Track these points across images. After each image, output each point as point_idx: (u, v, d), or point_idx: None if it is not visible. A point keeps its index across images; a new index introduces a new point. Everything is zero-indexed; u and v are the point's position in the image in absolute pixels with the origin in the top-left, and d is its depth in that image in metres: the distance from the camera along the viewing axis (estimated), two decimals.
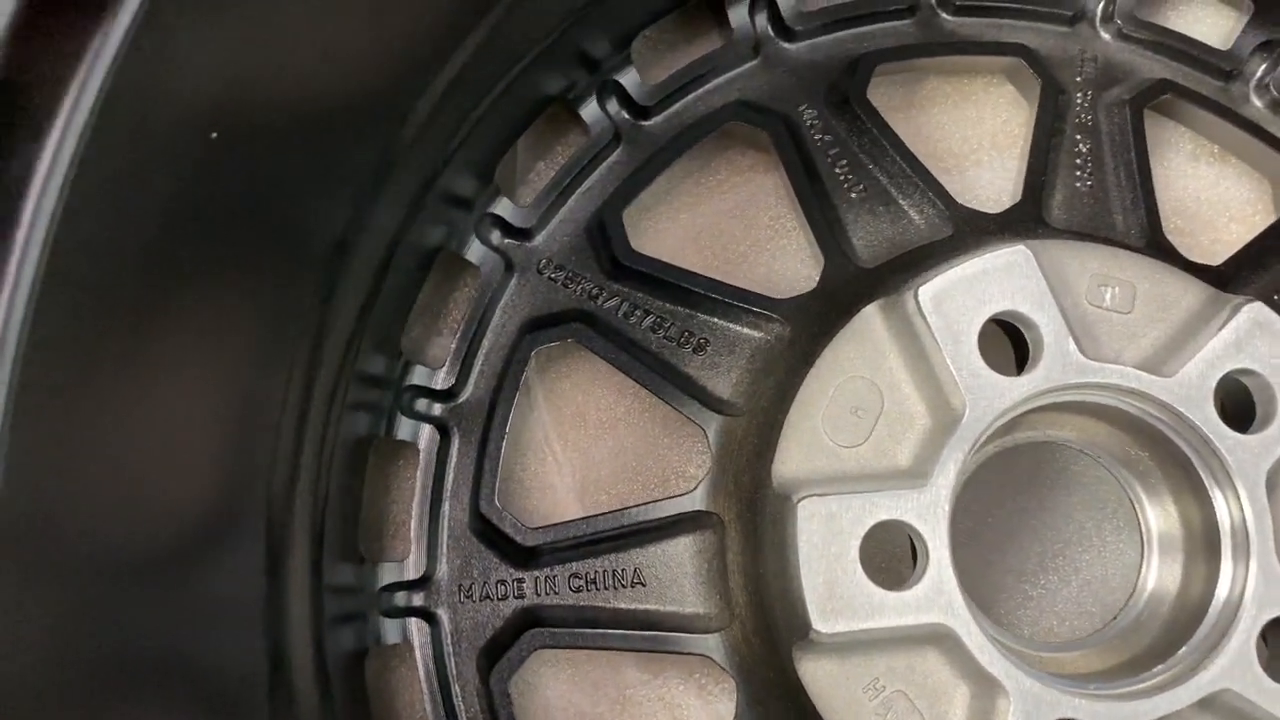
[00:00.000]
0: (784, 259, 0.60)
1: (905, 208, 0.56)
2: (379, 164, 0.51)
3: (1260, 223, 0.62)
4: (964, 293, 0.48)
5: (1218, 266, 0.57)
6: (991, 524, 0.59)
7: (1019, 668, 0.46)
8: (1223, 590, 0.48)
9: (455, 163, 0.55)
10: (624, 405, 0.59)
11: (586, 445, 0.59)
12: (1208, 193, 0.63)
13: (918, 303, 0.48)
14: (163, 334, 0.42)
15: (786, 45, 0.60)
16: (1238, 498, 0.47)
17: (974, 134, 0.64)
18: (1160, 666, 0.48)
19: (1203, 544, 0.50)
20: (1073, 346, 0.48)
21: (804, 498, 0.46)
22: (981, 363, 0.47)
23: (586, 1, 0.56)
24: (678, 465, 0.58)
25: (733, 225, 0.61)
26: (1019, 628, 0.57)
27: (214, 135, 0.38)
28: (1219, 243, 0.62)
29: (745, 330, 0.55)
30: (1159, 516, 0.55)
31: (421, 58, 0.51)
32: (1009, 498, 0.59)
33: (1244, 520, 0.47)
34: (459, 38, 0.52)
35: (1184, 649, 0.48)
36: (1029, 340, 0.49)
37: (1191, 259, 0.58)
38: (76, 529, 0.38)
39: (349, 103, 0.48)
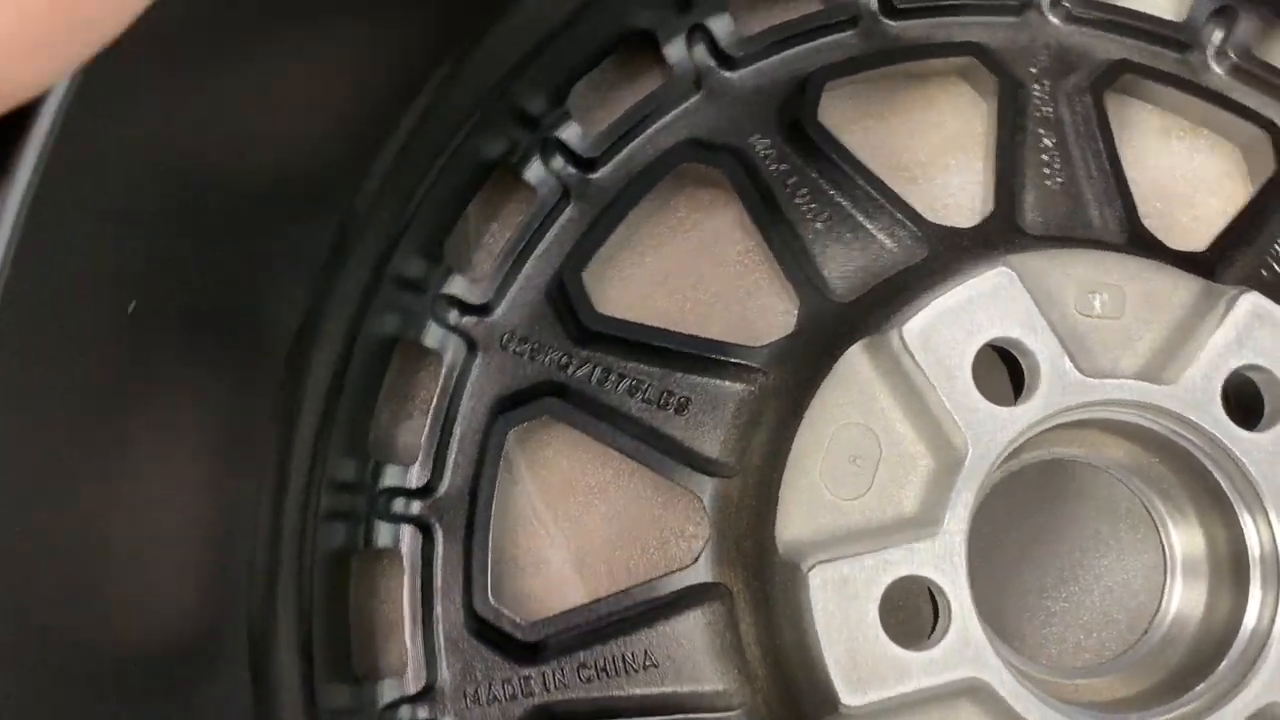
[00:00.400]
0: (758, 295, 0.57)
1: (874, 232, 0.54)
2: (332, 247, 0.49)
3: (1237, 192, 0.60)
4: (950, 325, 0.46)
5: (1203, 253, 0.55)
6: (1006, 544, 0.57)
7: (1059, 711, 0.44)
8: (1250, 619, 0.46)
9: (405, 244, 0.53)
10: (611, 469, 0.56)
11: (578, 514, 0.56)
12: (1182, 169, 0.61)
13: (903, 341, 0.45)
14: (120, 443, 0.39)
15: (728, 74, 0.58)
16: (1268, 521, 0.45)
17: (937, 139, 0.61)
18: (1201, 686, 0.46)
19: (1229, 569, 0.48)
20: (1069, 365, 0.46)
21: (814, 565, 0.43)
22: (979, 397, 0.45)
23: (518, 59, 0.54)
24: (676, 525, 0.55)
25: (700, 264, 0.58)
26: (1041, 647, 0.55)
27: (130, 308, 0.35)
28: (1199, 220, 0.60)
29: (727, 384, 0.52)
30: (1183, 537, 0.53)
31: (367, 130, 0.49)
32: (1023, 517, 0.57)
33: (1275, 546, 0.45)
34: (402, 106, 0.50)
35: (1221, 667, 0.46)
36: (1024, 365, 0.46)
37: (1173, 240, 0.56)
38: (48, 655, 0.36)
39: (297, 183, 0.46)
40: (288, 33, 0.41)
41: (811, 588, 0.43)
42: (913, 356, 0.45)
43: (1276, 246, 0.56)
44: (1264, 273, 0.55)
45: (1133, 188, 0.57)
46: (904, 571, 0.44)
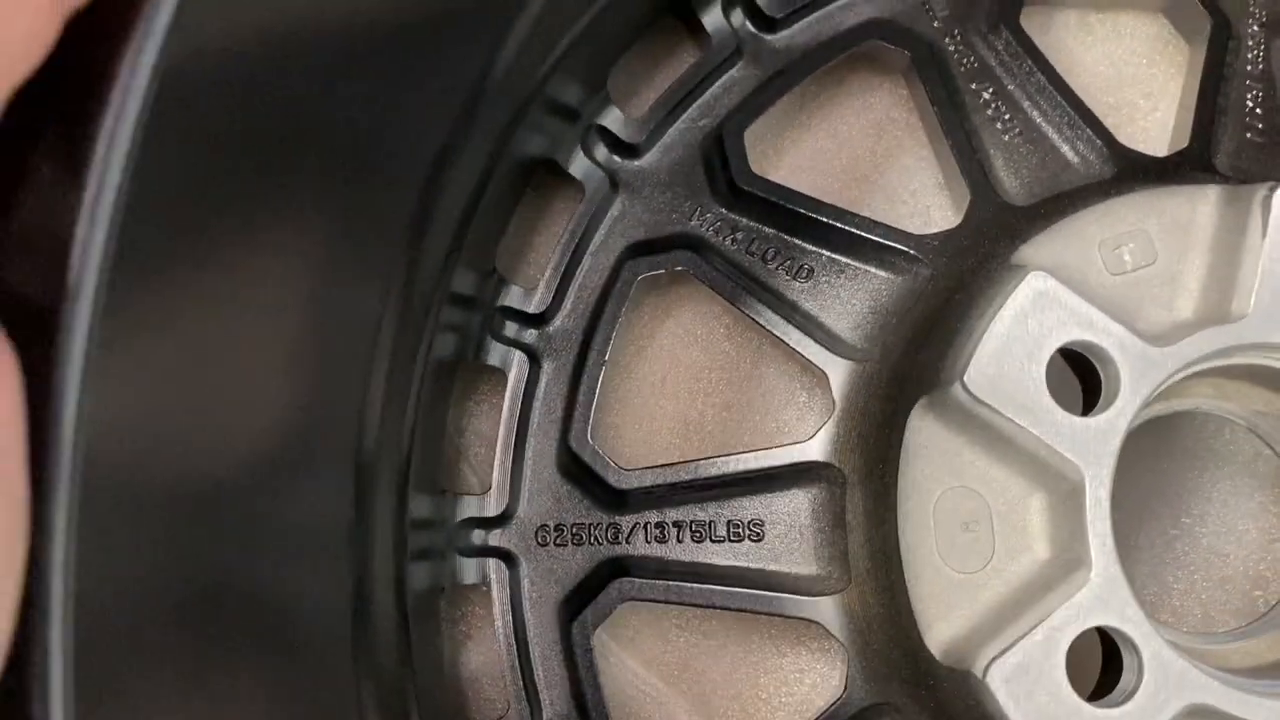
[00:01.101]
0: (920, 196, 0.54)
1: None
2: (482, 71, 0.47)
3: (1178, 57, 0.55)
4: (1008, 355, 0.42)
5: (1189, 147, 0.51)
6: (1129, 505, 0.54)
7: None
8: None
9: (563, 69, 0.50)
10: (733, 341, 0.54)
11: (690, 386, 0.54)
12: (1117, 55, 0.56)
13: (968, 390, 0.42)
14: (255, 254, 0.38)
15: None
16: None
17: (1121, 75, 0.58)
18: None
19: None
20: (1140, 344, 0.42)
21: (988, 666, 0.40)
22: (1073, 418, 0.42)
23: None
24: (794, 400, 0.53)
25: (857, 155, 0.56)
26: (1181, 612, 0.52)
27: None
28: (1152, 96, 0.55)
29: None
30: None
31: None
32: (1145, 476, 0.54)
33: None
34: None
35: None
36: (1094, 363, 0.43)
37: (1146, 136, 0.53)
38: (162, 460, 0.35)
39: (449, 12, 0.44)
40: None
41: (995, 692, 0.40)
42: (984, 402, 0.42)
43: (1248, 103, 0.52)
44: (1249, 135, 0.52)
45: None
46: (1078, 630, 0.40)
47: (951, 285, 0.46)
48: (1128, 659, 0.41)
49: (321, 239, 0.42)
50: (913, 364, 0.45)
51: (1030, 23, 0.55)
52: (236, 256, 0.37)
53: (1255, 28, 0.55)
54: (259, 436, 0.40)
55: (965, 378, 0.41)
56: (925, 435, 0.43)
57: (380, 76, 0.42)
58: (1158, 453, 0.54)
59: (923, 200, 0.55)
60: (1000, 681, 0.40)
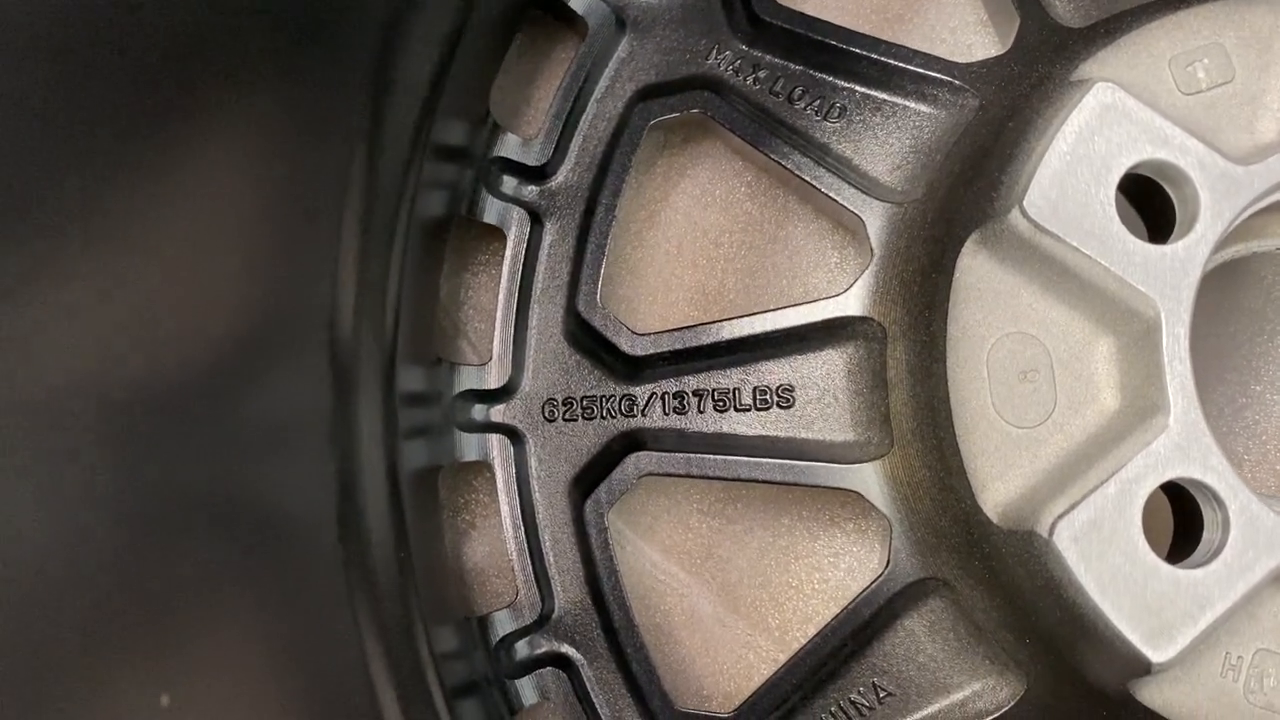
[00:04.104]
0: (960, 33, 0.49)
1: None
2: None
3: None
4: (1073, 178, 0.37)
5: None
6: (1205, 352, 0.48)
7: None
8: None
9: None
10: (755, 208, 0.49)
11: (709, 253, 0.49)
12: None
13: (1029, 217, 0.37)
14: (190, 123, 0.35)
15: None
16: None
17: None
18: None
19: None
20: (1222, 162, 0.37)
21: (1055, 524, 0.36)
22: (1144, 245, 0.37)
23: None
24: (824, 253, 0.48)
25: None
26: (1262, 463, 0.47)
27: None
28: None
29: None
30: None
31: None
32: (1206, 339, 0.49)
33: None
34: None
35: None
36: (1168, 188, 0.38)
37: None
38: (119, 360, 0.32)
39: None
40: None
41: (1063, 553, 0.35)
42: (1045, 230, 0.36)
43: None
44: None
45: None
46: (1157, 481, 0.36)
47: (1003, 114, 0.41)
48: (1209, 515, 0.36)
49: (270, 92, 0.37)
50: (960, 200, 0.40)
51: None
52: (173, 123, 0.33)
53: None
54: (217, 326, 0.36)
55: (1025, 202, 0.36)
56: (977, 276, 0.38)
57: None
58: (1223, 313, 0.49)
59: (963, 38, 0.49)
60: (1069, 541, 0.35)
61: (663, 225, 0.50)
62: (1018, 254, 0.38)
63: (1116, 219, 0.36)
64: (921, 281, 0.40)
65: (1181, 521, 0.38)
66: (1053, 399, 0.38)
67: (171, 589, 0.33)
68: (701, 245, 0.50)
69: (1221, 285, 0.50)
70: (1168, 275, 0.36)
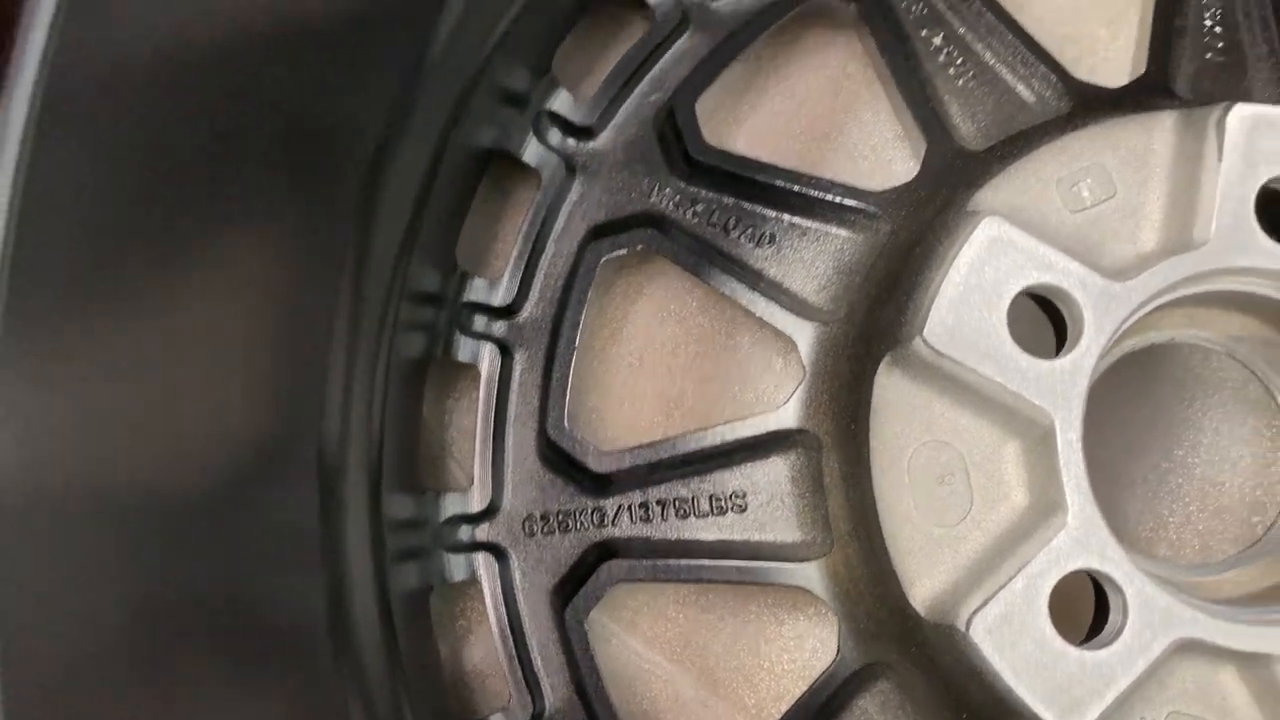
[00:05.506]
0: (880, 150, 0.54)
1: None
2: (418, 55, 0.47)
3: None
4: (967, 305, 0.41)
5: (1149, 72, 0.50)
6: (1111, 437, 0.53)
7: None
8: None
9: (506, 53, 0.50)
10: (707, 312, 0.54)
11: (668, 362, 0.54)
12: None
13: (929, 345, 0.41)
14: (188, 260, 0.38)
15: None
16: None
17: (1079, 6, 0.57)
18: None
19: None
20: (1101, 281, 0.41)
21: (971, 618, 0.40)
22: (1034, 361, 0.41)
23: None
24: (767, 369, 0.53)
25: (816, 114, 0.55)
26: (1160, 544, 0.52)
27: None
28: (1114, 23, 0.54)
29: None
30: None
31: None
32: (1127, 407, 0.53)
33: None
34: None
35: None
36: (1056, 304, 0.43)
37: (1108, 69, 0.51)
38: (114, 477, 0.35)
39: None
40: None
41: (980, 644, 0.40)
42: (945, 355, 0.41)
43: (1206, 22, 0.51)
44: (1209, 56, 0.50)
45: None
46: (1060, 574, 0.40)
47: (911, 238, 0.46)
48: (1113, 599, 0.40)
49: (262, 237, 0.42)
50: (876, 321, 0.45)
51: None
52: (170, 260, 0.37)
53: None
54: (212, 444, 0.40)
55: (925, 331, 0.41)
56: (893, 392, 0.43)
57: (309, 67, 0.41)
58: (1144, 386, 0.54)
59: (884, 154, 0.54)
60: (984, 633, 0.39)
61: (625, 339, 0.55)
62: (926, 372, 0.42)
63: (1009, 340, 0.41)
64: (846, 396, 0.45)
65: (1098, 602, 0.43)
66: (969, 499, 0.42)
67: (175, 682, 0.37)
68: (660, 356, 0.55)
69: (1142, 361, 0.54)
70: (1058, 387, 0.41)
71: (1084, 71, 0.55)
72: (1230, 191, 0.42)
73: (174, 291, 0.37)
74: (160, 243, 0.36)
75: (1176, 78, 0.51)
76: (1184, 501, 0.53)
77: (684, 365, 0.54)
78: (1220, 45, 0.52)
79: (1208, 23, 0.52)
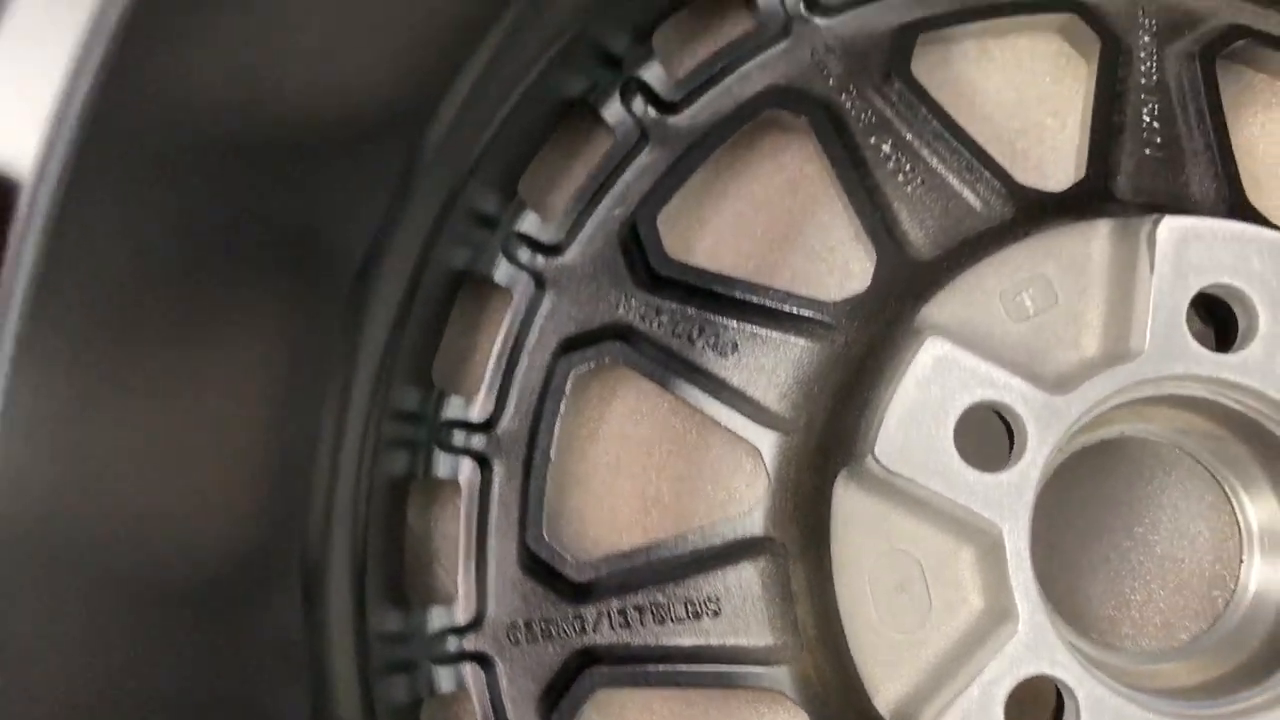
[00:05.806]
0: (838, 251, 0.56)
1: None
2: (401, 178, 0.49)
3: None
4: (917, 424, 0.43)
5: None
6: (1067, 528, 0.55)
7: None
8: None
9: (478, 177, 0.52)
10: (677, 417, 0.56)
11: (644, 463, 0.56)
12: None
13: (880, 463, 0.43)
14: (181, 371, 0.40)
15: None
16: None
17: (1026, 98, 0.59)
18: (1271, 680, 0.44)
19: None
20: (1044, 395, 0.44)
21: None
22: (981, 475, 0.43)
23: None
24: (736, 477, 0.55)
25: (775, 216, 0.57)
26: (1113, 632, 0.54)
27: None
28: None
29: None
30: (1256, 505, 0.51)
31: (439, 61, 0.49)
32: (1083, 500, 0.55)
33: None
34: (476, 39, 0.49)
35: None
36: (1004, 418, 0.45)
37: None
38: (102, 554, 0.36)
39: (365, 112, 0.46)
40: None
41: None
42: (895, 473, 0.43)
43: (1145, 117, 0.53)
44: (1148, 151, 0.53)
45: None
46: (1015, 680, 0.42)
47: (863, 351, 0.48)
48: (1067, 702, 0.42)
49: (260, 337, 0.43)
50: (833, 435, 0.47)
51: (928, 59, 0.57)
52: (179, 344, 0.38)
53: (1146, 39, 0.56)
54: (200, 539, 0.41)
55: (875, 450, 0.43)
56: (851, 504, 0.45)
57: (302, 190, 0.43)
58: (1101, 471, 0.56)
59: (841, 255, 0.56)
60: None
61: (602, 440, 0.57)
62: (881, 487, 0.44)
63: (956, 456, 0.43)
64: (808, 506, 0.47)
65: (1058, 699, 0.44)
66: (928, 604, 0.44)
67: None
68: (636, 456, 0.57)
69: (1097, 451, 0.56)
70: (1005, 500, 0.43)
71: (1034, 162, 0.57)
72: (1162, 302, 0.44)
73: (180, 376, 0.39)
74: (174, 325, 0.37)
75: (1117, 175, 0.53)
76: (1145, 580, 0.55)
77: (659, 464, 0.56)
78: (1158, 140, 0.54)
79: (1145, 118, 0.54)
